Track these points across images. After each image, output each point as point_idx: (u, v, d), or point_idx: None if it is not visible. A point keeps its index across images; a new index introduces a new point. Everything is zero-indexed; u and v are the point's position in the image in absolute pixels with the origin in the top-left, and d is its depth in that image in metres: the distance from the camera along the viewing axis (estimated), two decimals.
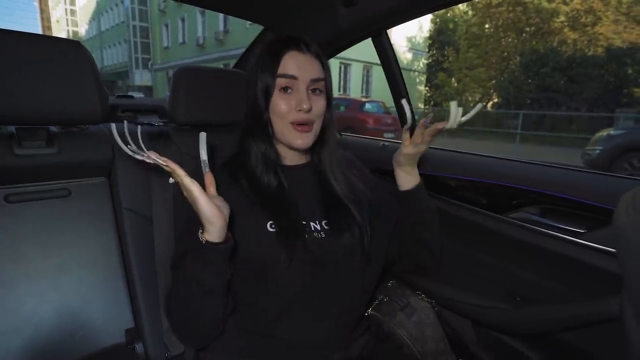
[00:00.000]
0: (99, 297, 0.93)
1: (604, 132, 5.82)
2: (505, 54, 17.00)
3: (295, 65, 0.75)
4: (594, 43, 14.22)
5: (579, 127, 11.10)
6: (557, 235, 0.86)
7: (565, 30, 14.79)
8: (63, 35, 38.40)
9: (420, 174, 0.90)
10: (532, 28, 15.94)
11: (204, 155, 0.65)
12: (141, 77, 27.76)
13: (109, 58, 32.68)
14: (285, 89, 0.75)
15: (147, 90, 26.20)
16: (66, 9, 41.46)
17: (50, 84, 0.78)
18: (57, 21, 42.61)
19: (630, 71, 12.28)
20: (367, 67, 17.16)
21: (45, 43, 0.78)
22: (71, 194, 0.93)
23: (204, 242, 0.62)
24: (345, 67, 16.61)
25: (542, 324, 0.87)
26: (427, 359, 0.89)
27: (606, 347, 0.76)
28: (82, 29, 38.87)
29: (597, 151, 5.38)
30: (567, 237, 0.84)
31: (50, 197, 0.91)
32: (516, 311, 0.93)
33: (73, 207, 0.93)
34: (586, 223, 0.84)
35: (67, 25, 41.32)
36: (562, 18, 14.82)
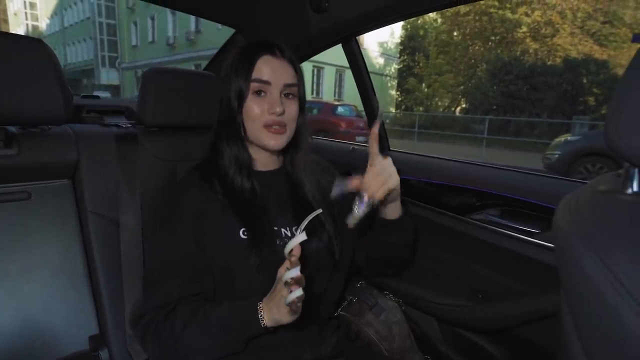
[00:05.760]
0: (61, 303, 0.89)
1: (562, 138, 6.19)
2: (473, 61, 17.64)
3: (269, 70, 0.76)
4: (553, 53, 15.05)
5: (540, 133, 11.69)
6: (514, 235, 0.92)
7: (528, 40, 15.55)
8: (21, 30, 36.35)
9: None
10: (497, 37, 16.64)
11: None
12: (108, 76, 26.74)
13: (72, 55, 31.23)
14: (258, 93, 0.76)
15: (114, 89, 25.26)
16: (25, 2, 39.23)
17: (9, 82, 0.75)
18: (15, 14, 40.21)
19: (584, 81, 13.07)
20: (340, 71, 17.33)
21: (3, 40, 0.75)
22: (31, 197, 0.90)
23: (262, 324, 0.65)
24: (318, 70, 16.70)
25: (500, 319, 0.92)
26: (395, 355, 0.92)
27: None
28: (43, 24, 36.95)
29: (556, 155, 5.72)
30: (523, 236, 0.90)
31: (9, 200, 0.87)
32: (477, 308, 0.97)
33: (33, 210, 0.90)
34: (540, 223, 0.90)
35: (26, 19, 39.09)
36: (525, 29, 15.57)
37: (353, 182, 0.70)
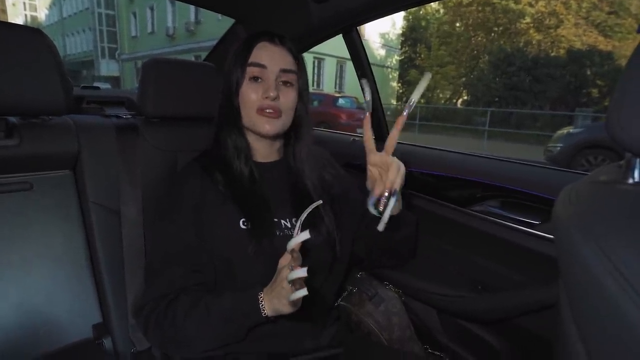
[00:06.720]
0: (64, 292, 0.90)
1: (564, 130, 6.17)
2: (475, 52, 17.50)
3: (266, 54, 0.75)
4: (556, 45, 14.90)
5: (543, 125, 11.64)
6: (514, 227, 0.92)
7: (531, 31, 15.39)
8: (20, 20, 36.02)
9: None
10: (500, 28, 16.47)
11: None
12: (108, 67, 26.61)
13: (72, 46, 31.00)
14: (255, 79, 0.76)
15: (114, 80, 25.15)
16: None
17: (9, 73, 0.75)
18: (13, 4, 39.84)
19: (588, 72, 12.97)
20: (341, 63, 17.19)
21: (2, 30, 0.75)
22: (33, 187, 0.90)
23: (263, 314, 0.65)
24: (319, 62, 16.58)
25: (499, 310, 0.93)
26: (394, 345, 0.92)
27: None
28: (42, 14, 36.65)
29: (558, 148, 5.70)
30: (523, 228, 0.90)
31: (11, 191, 0.87)
32: (477, 299, 0.98)
33: (35, 200, 0.90)
34: (541, 215, 0.90)
35: (25, 9, 38.76)
36: (528, 19, 15.40)
37: (376, 191, 0.70)
